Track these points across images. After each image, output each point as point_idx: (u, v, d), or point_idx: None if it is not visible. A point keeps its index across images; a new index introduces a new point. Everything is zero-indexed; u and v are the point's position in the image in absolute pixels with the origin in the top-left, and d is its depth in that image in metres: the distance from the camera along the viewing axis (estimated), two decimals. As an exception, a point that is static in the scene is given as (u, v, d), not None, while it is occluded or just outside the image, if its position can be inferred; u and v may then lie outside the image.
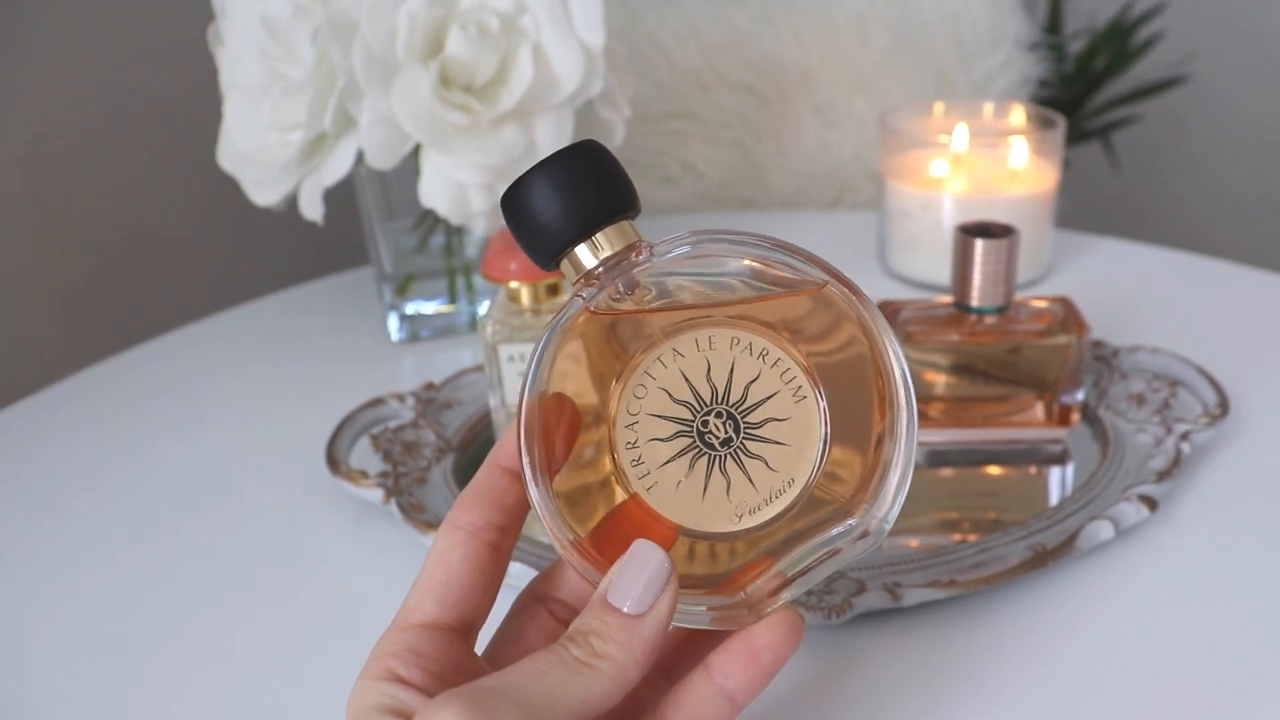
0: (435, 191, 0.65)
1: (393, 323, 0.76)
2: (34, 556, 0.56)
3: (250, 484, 0.61)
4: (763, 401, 0.33)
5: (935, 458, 0.60)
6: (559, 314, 0.33)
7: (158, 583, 0.53)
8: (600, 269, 0.33)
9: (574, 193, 0.33)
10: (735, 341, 0.33)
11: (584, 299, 0.33)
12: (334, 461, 0.57)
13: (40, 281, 1.02)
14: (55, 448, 0.66)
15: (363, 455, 0.59)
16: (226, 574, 0.54)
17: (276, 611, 0.51)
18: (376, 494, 0.54)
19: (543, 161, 0.33)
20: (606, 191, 0.33)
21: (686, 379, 0.33)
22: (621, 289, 0.33)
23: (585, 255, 0.34)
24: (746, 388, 0.33)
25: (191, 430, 0.67)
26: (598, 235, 0.33)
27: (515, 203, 0.33)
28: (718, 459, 0.33)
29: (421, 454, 0.59)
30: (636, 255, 0.34)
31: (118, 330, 0.95)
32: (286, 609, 0.51)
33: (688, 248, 0.34)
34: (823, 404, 0.33)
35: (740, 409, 0.33)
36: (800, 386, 0.33)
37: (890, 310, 0.60)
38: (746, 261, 0.34)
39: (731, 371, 0.33)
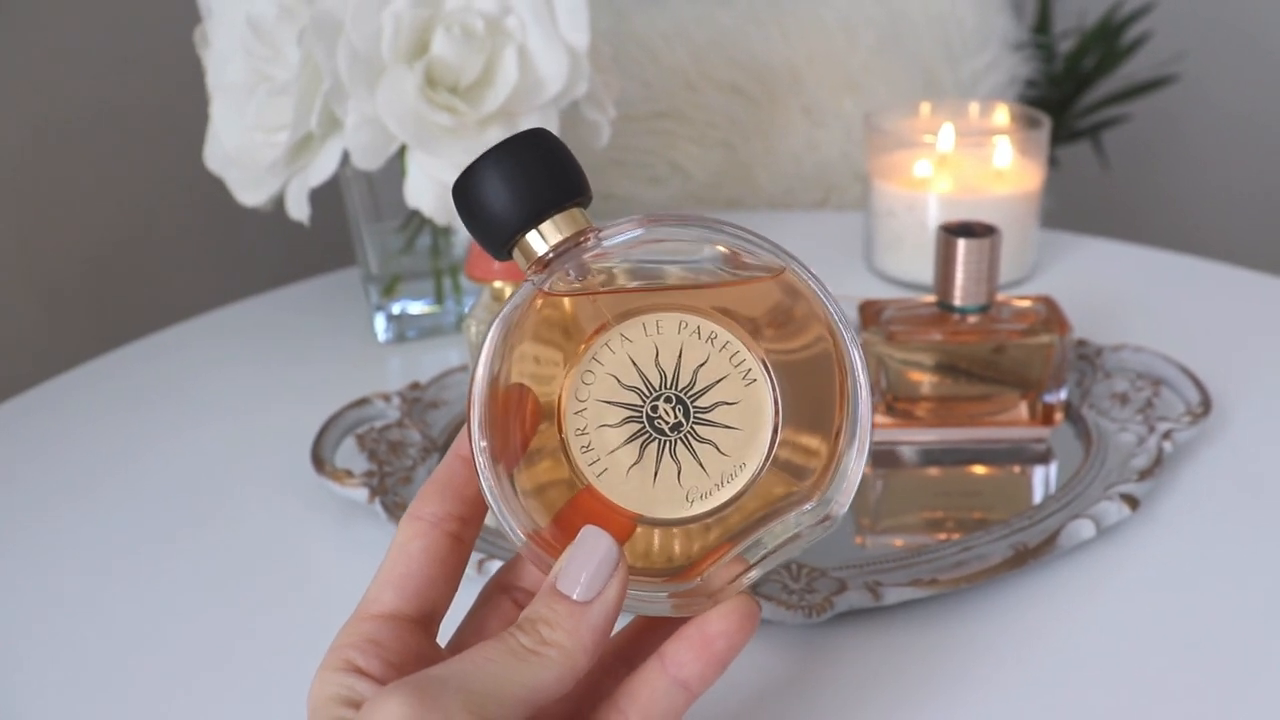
0: (421, 192, 0.65)
1: (379, 323, 0.76)
2: (20, 556, 0.56)
3: (236, 484, 0.61)
4: (712, 385, 0.33)
5: (920, 457, 0.60)
6: (509, 300, 0.33)
7: (144, 582, 0.53)
8: (550, 255, 0.33)
9: (523, 180, 0.33)
10: (683, 325, 0.33)
11: (535, 284, 0.33)
12: (319, 461, 0.57)
13: (29, 282, 1.02)
14: (41, 448, 0.66)
15: (349, 455, 0.59)
16: (211, 573, 0.54)
17: (261, 610, 0.51)
18: (361, 493, 0.55)
19: (490, 150, 0.33)
20: (555, 178, 0.33)
21: (635, 364, 0.33)
22: (573, 275, 0.33)
23: (535, 242, 0.33)
24: (695, 372, 0.33)
25: (178, 430, 0.67)
26: (546, 223, 0.33)
27: (465, 193, 0.33)
28: (668, 444, 0.33)
29: (406, 453, 0.59)
30: (586, 241, 0.33)
31: (106, 330, 0.95)
32: (271, 608, 0.51)
33: (639, 231, 0.33)
34: (773, 386, 0.33)
35: (689, 393, 0.33)
36: (750, 370, 0.33)
37: (873, 310, 0.60)
38: (701, 246, 0.34)
39: (680, 356, 0.33)
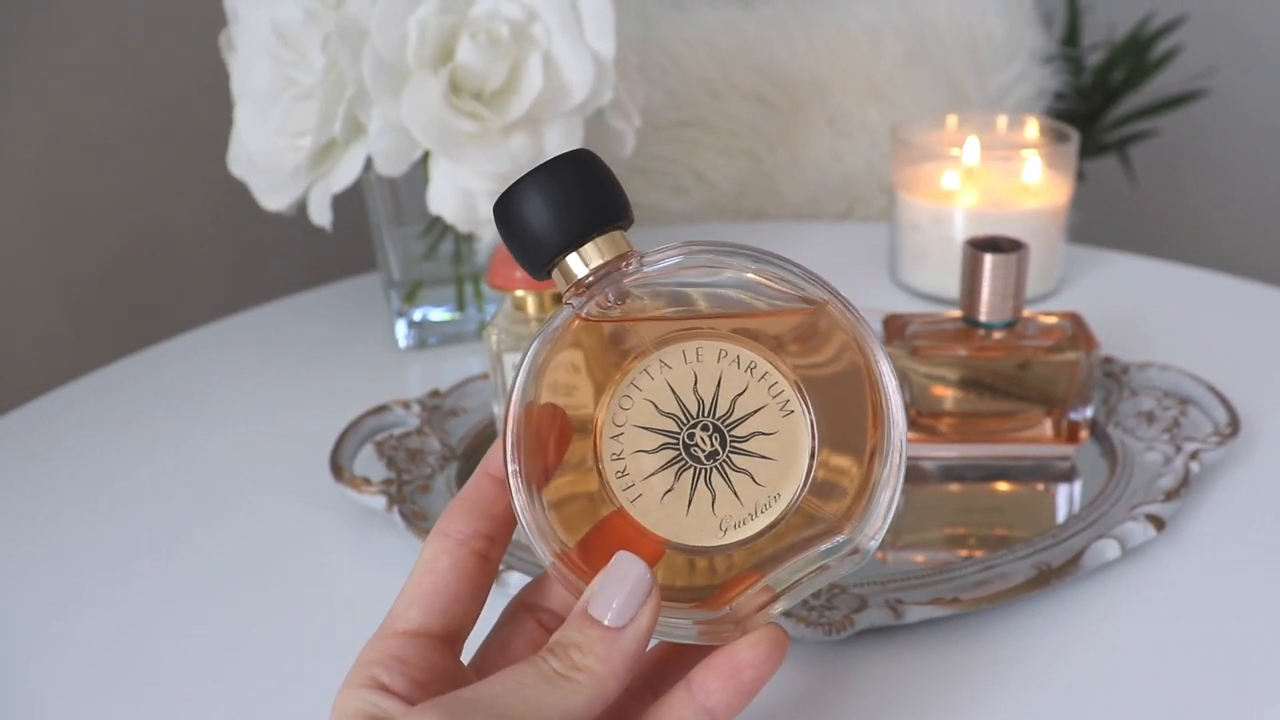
0: (444, 199, 0.65)
1: (400, 329, 0.75)
2: (39, 559, 0.56)
3: (255, 490, 0.61)
4: (750, 415, 0.33)
5: (942, 473, 0.59)
6: (548, 322, 0.33)
7: (161, 587, 0.53)
8: (590, 278, 0.33)
9: (565, 202, 0.33)
10: (723, 354, 0.33)
11: (574, 307, 0.33)
12: (337, 468, 0.56)
13: (52, 286, 1.02)
14: (61, 450, 0.66)
15: (367, 462, 0.59)
16: (229, 580, 0.54)
17: (278, 618, 0.51)
18: (379, 501, 0.54)
19: (534, 170, 0.33)
20: (598, 201, 0.33)
21: (673, 391, 0.33)
22: (612, 299, 0.33)
23: (576, 264, 0.33)
24: (733, 401, 0.33)
25: (197, 435, 0.67)
26: (588, 245, 0.33)
27: (507, 211, 0.33)
28: (703, 472, 0.33)
29: (425, 462, 0.58)
30: (627, 265, 0.33)
31: (127, 334, 0.96)
32: (288, 616, 0.51)
33: (680, 258, 0.33)
34: (810, 418, 0.33)
35: (727, 422, 0.33)
36: (788, 400, 0.33)
37: (898, 323, 0.59)
38: (741, 274, 0.34)
39: (719, 384, 0.33)
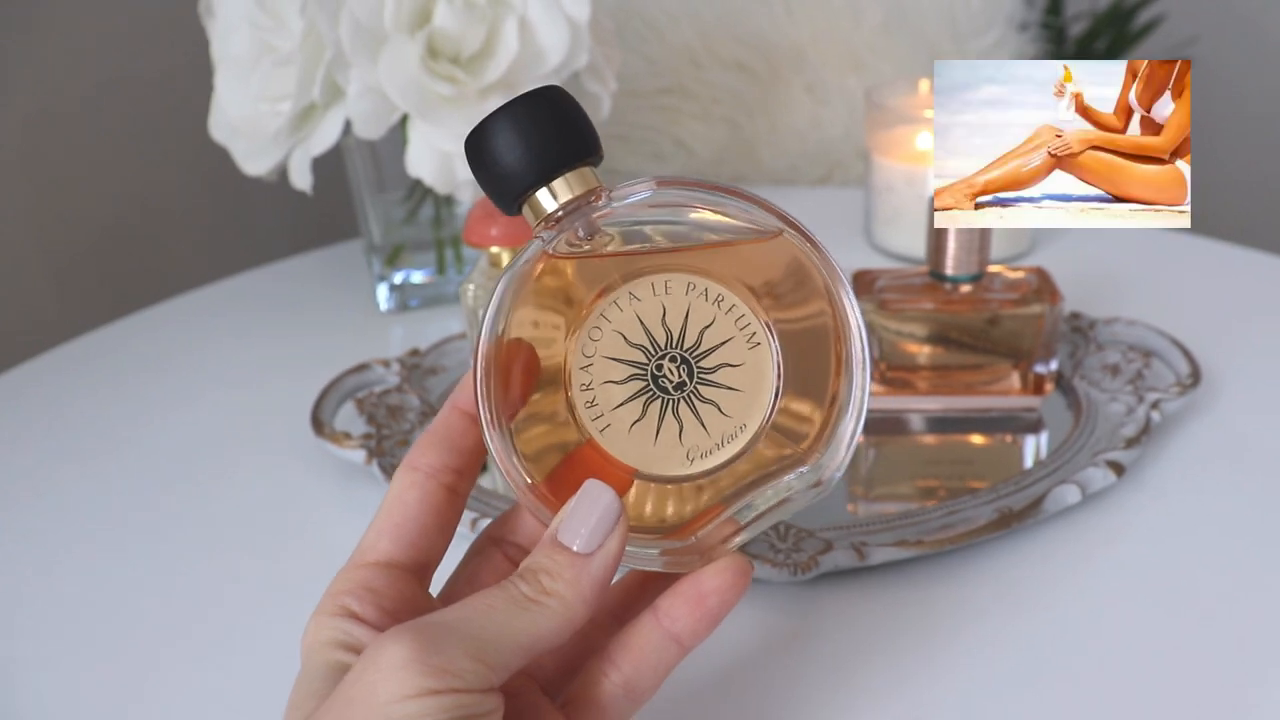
0: (422, 161, 0.66)
1: (382, 293, 0.76)
2: (24, 520, 0.57)
3: (239, 448, 0.62)
4: (717, 347, 0.34)
5: (912, 426, 0.61)
6: (517, 256, 0.33)
7: (147, 541, 0.54)
8: (560, 213, 0.34)
9: (536, 137, 0.33)
10: (691, 286, 0.33)
11: (543, 241, 0.33)
12: (318, 423, 0.58)
13: (38, 252, 1.03)
14: (49, 413, 0.67)
15: (349, 419, 0.60)
16: (214, 533, 0.55)
17: (261, 568, 0.52)
18: (359, 455, 0.55)
19: (505, 105, 0.33)
20: (568, 137, 0.33)
21: (642, 323, 0.33)
22: (581, 234, 0.33)
23: (546, 199, 0.34)
24: (701, 333, 0.33)
25: (182, 397, 0.68)
26: (558, 180, 0.33)
27: (478, 146, 0.34)
28: (671, 403, 0.33)
29: (405, 418, 0.60)
30: (596, 200, 0.34)
31: (112, 300, 0.96)
32: (271, 566, 0.52)
33: (648, 193, 0.34)
34: (776, 351, 0.34)
35: (694, 354, 0.33)
36: (754, 333, 0.34)
37: (866, 279, 0.60)
38: (705, 211, 0.34)
39: (687, 316, 0.33)
